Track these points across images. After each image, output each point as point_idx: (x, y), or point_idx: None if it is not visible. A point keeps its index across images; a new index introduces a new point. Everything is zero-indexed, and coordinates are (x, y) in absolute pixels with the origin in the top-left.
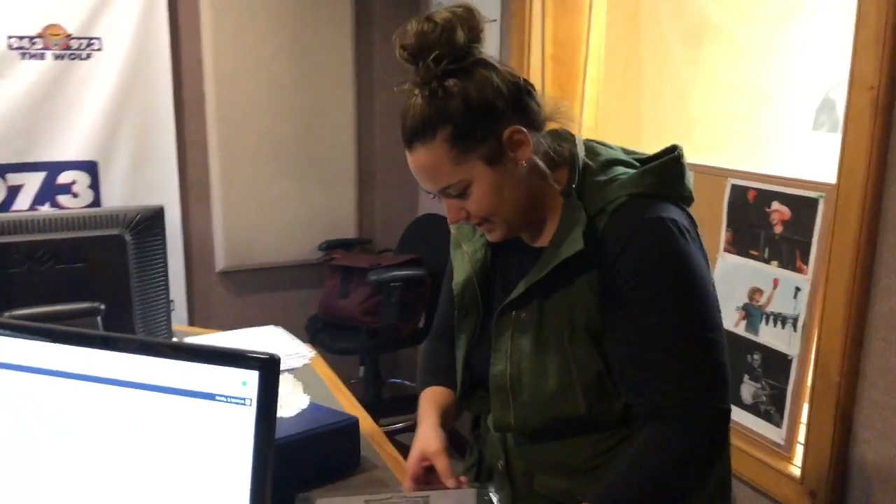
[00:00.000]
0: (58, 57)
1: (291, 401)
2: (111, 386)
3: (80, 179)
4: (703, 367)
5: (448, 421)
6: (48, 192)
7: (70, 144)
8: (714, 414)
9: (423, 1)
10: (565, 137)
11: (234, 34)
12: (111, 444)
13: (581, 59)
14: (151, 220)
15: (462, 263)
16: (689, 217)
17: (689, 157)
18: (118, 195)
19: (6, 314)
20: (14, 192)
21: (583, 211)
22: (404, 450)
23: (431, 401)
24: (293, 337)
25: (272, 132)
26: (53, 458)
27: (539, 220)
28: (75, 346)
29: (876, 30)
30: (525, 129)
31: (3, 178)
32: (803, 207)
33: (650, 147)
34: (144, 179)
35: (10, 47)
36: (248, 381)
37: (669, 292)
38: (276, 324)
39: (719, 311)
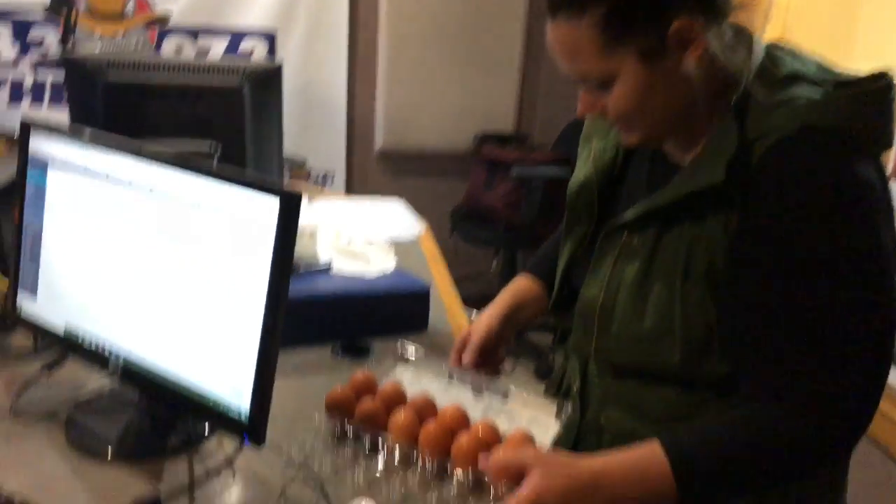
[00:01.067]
0: None
1: (377, 263)
2: (154, 196)
3: (259, 48)
4: (860, 363)
5: (519, 316)
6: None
7: (253, 13)
8: (855, 418)
9: None
10: (744, 38)
11: None
12: (161, 248)
13: None
14: (270, 77)
15: (585, 162)
16: (880, 170)
17: None
18: (291, 66)
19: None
20: (203, 54)
21: (735, 136)
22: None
23: (511, 292)
24: (412, 212)
25: (441, 16)
26: (117, 253)
27: (688, 131)
28: (136, 158)
29: None
30: (699, 24)
31: (195, 40)
32: None
33: (862, 65)
34: (316, 52)
35: None
36: (271, 209)
37: (834, 268)
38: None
39: None
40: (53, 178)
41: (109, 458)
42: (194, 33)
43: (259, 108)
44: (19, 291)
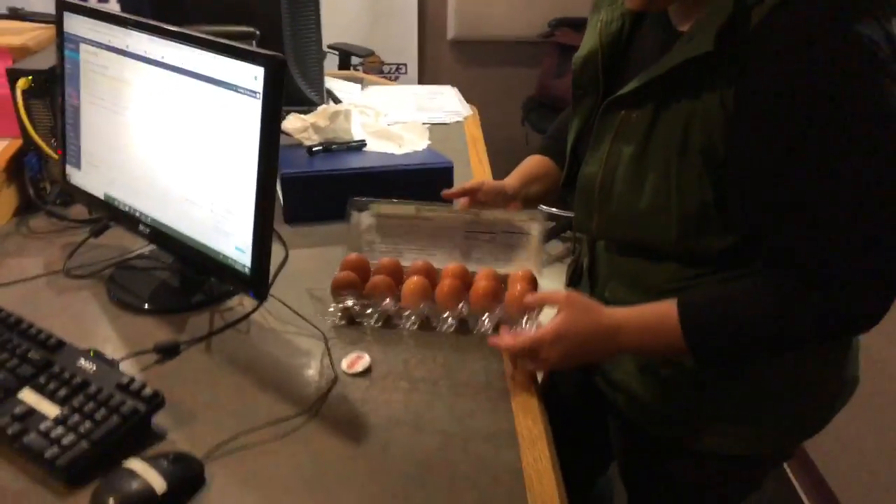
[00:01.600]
0: None
1: (410, 143)
2: (164, 69)
3: None
4: (882, 235)
5: (531, 189)
6: None
7: None
8: (876, 294)
9: None
10: None
11: None
12: (171, 118)
13: None
14: None
15: (592, 32)
16: (887, 31)
17: None
18: None
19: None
20: None
21: (731, 3)
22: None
23: (523, 168)
24: (460, 99)
25: None
26: (137, 124)
27: None
28: (145, 32)
29: None
30: None
31: None
32: None
33: None
34: None
35: None
36: (258, 77)
37: (842, 134)
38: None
39: None
40: (85, 56)
41: (143, 310)
42: None
43: None
44: (67, 163)
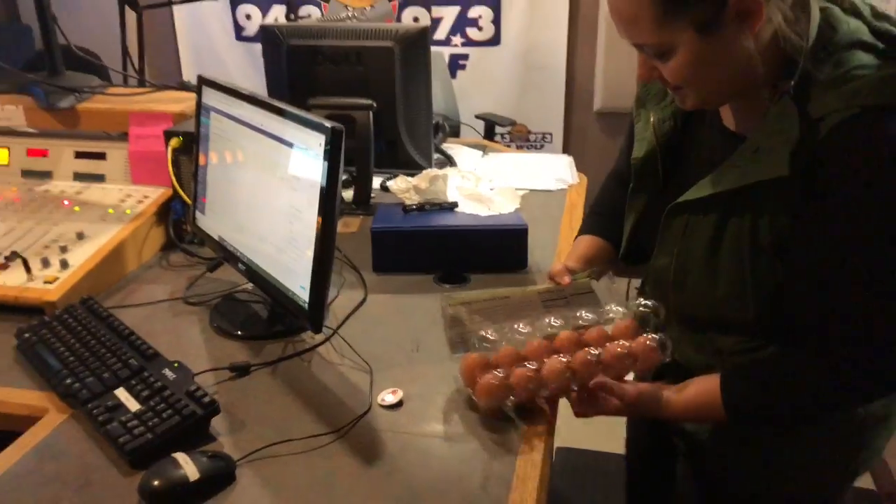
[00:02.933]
0: None
1: (498, 205)
2: (261, 134)
3: (486, 14)
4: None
5: (592, 265)
6: (460, 24)
7: None
8: (886, 383)
9: None
10: (804, 6)
11: None
12: (260, 171)
13: None
14: (417, 38)
15: (645, 131)
16: None
17: None
18: (515, 31)
19: (310, 101)
20: (436, 23)
21: (797, 123)
22: None
23: (581, 254)
24: (572, 167)
25: None
26: (239, 178)
27: (747, 101)
28: (250, 105)
29: None
30: None
31: (429, 10)
32: None
33: None
34: (539, 16)
35: None
36: (322, 143)
37: (889, 238)
38: None
39: None
40: (214, 122)
41: (234, 335)
42: (428, 3)
43: (407, 67)
44: (196, 209)
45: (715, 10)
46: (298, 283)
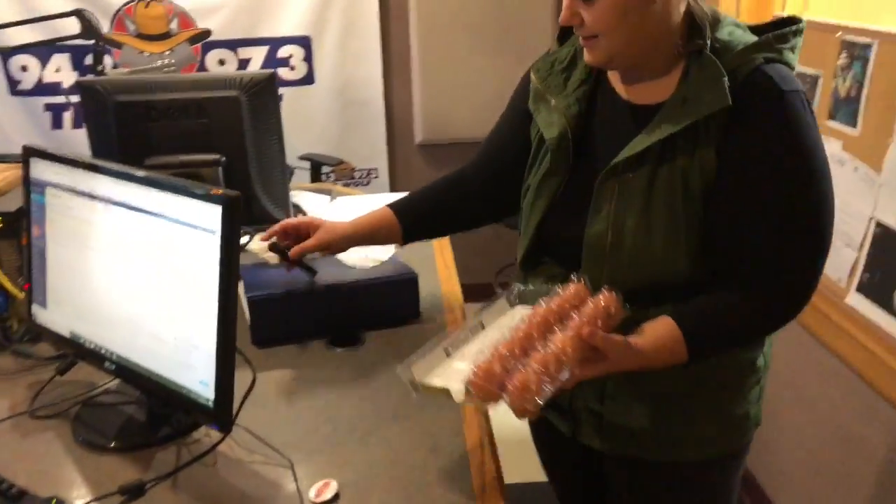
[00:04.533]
0: None
1: (374, 252)
2: (128, 210)
3: (296, 53)
4: (817, 254)
5: (366, 236)
6: (270, 65)
7: (288, 21)
8: (804, 300)
9: None
10: None
11: None
12: (129, 252)
13: None
14: (264, 85)
15: (550, 117)
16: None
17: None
18: (328, 67)
19: (147, 160)
20: (244, 64)
21: (721, 68)
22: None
23: (373, 217)
24: None
25: (470, 8)
26: (101, 262)
27: (643, 68)
28: (110, 177)
29: None
30: None
31: (235, 51)
32: None
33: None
34: (351, 53)
35: None
36: (216, 215)
37: (804, 173)
38: None
39: None
40: (51, 199)
41: (109, 449)
42: (234, 45)
43: (257, 116)
44: (33, 302)
45: None
46: (197, 379)
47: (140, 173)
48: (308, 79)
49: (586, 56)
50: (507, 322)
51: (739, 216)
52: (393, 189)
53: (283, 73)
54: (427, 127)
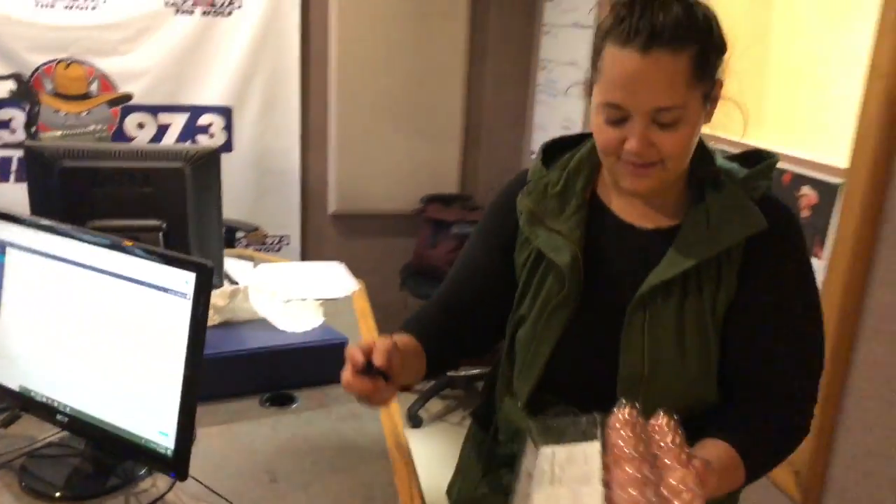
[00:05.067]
0: (205, 13)
1: (305, 319)
2: (95, 272)
3: (217, 122)
4: (822, 364)
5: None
6: (190, 132)
7: (210, 91)
8: (815, 405)
9: None
10: None
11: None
12: (93, 314)
13: None
14: (208, 159)
15: (554, 241)
16: None
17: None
18: (247, 138)
19: (90, 223)
20: (163, 129)
21: (744, 192)
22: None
23: (401, 342)
24: (348, 274)
25: (386, 89)
26: (61, 320)
27: (659, 194)
28: (79, 241)
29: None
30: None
31: (156, 116)
32: (826, 193)
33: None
34: (270, 125)
35: (166, 4)
36: (189, 281)
37: (814, 289)
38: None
39: None
40: (10, 258)
41: (56, 498)
42: (155, 110)
43: (199, 187)
44: None
45: (711, 86)
46: (157, 430)
47: (117, 241)
48: (227, 146)
49: (634, 184)
50: (578, 470)
51: (764, 333)
52: (304, 256)
53: (202, 139)
54: (340, 198)
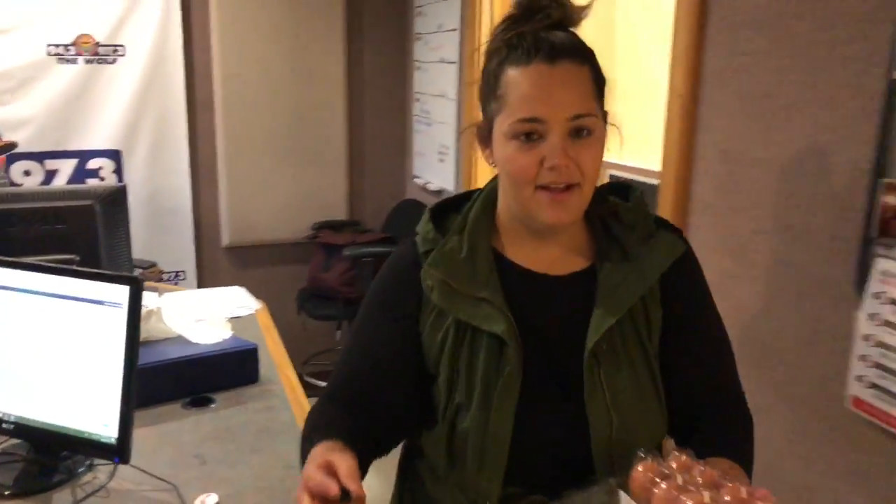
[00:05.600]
0: (88, 61)
1: (216, 333)
2: (36, 295)
3: (106, 165)
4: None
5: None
6: (79, 176)
7: (98, 136)
8: None
9: (410, 8)
10: None
11: (240, 41)
12: (37, 333)
13: None
14: (116, 196)
15: (480, 311)
16: None
17: None
18: (138, 179)
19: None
20: (51, 175)
21: (651, 221)
22: None
23: (324, 447)
24: (249, 295)
25: (272, 124)
26: (7, 338)
27: (564, 231)
28: (13, 269)
29: (686, 45)
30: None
31: (42, 163)
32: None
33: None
34: (161, 165)
35: (49, 54)
36: (124, 293)
37: (714, 306)
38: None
39: None
40: None
41: (6, 497)
42: (41, 157)
43: (109, 223)
44: None
45: (602, 112)
46: (101, 423)
47: (62, 267)
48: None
49: (554, 214)
50: None
51: (701, 350)
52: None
53: (92, 184)
54: (233, 231)
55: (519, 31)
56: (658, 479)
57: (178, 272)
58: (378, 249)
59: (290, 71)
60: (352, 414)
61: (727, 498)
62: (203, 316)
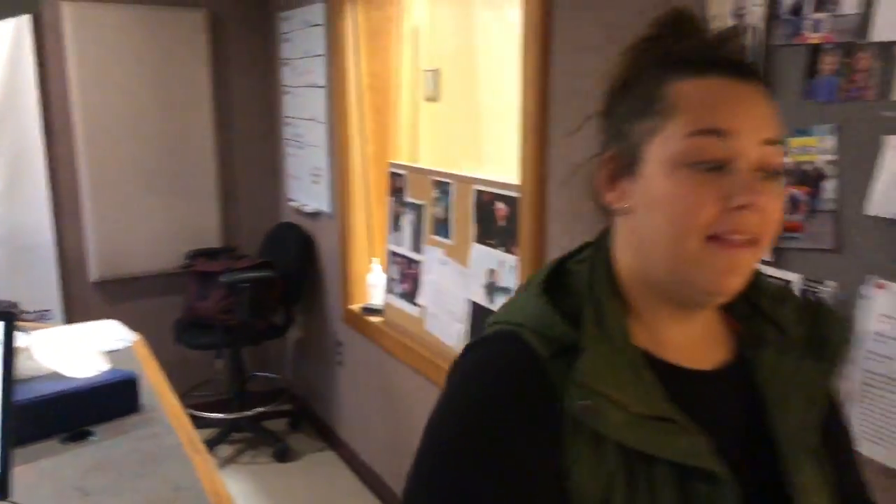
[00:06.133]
0: None
1: (91, 366)
2: None
3: None
4: None
5: None
6: None
7: None
8: None
9: (276, 35)
10: None
11: (98, 70)
12: None
13: (393, 88)
14: None
15: (675, 441)
16: None
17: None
18: None
19: None
20: None
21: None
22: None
23: None
24: (124, 328)
25: (139, 153)
26: None
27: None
28: None
29: (533, 66)
30: None
31: None
32: (512, 205)
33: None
34: (17, 201)
35: None
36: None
37: None
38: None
39: None
40: None
41: None
42: None
43: None
44: None
45: None
46: None
47: None
48: None
49: (729, 276)
50: None
51: (844, 445)
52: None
53: None
54: (102, 265)
55: (686, 45)
56: None
57: (43, 311)
58: (255, 275)
59: (154, 98)
60: None
61: None
62: (77, 350)
